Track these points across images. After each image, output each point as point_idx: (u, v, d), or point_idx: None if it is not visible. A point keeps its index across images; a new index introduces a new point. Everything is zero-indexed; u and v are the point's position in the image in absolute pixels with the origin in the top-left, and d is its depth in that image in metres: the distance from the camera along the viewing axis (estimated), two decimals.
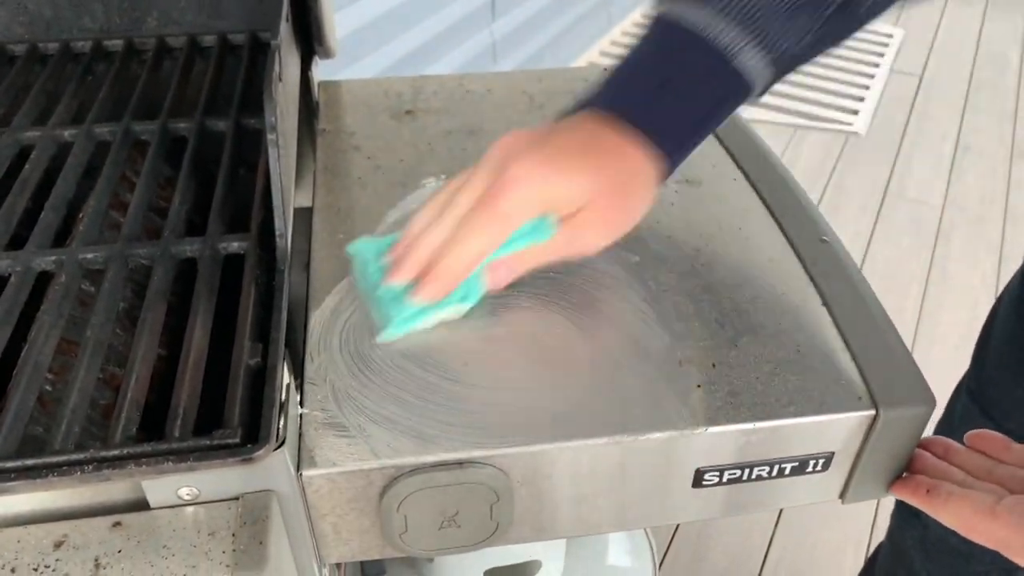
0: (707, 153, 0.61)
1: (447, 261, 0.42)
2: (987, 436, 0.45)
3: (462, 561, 0.69)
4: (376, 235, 0.50)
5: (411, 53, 1.68)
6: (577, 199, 0.42)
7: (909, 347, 0.45)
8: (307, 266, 0.50)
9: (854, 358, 0.44)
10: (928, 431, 0.46)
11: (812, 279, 0.49)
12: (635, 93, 0.43)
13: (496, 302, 0.47)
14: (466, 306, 0.45)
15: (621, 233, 0.44)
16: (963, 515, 0.40)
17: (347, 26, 1.46)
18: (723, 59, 0.42)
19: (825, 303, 0.47)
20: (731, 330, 0.45)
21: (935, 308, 1.81)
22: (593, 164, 0.42)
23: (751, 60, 0.42)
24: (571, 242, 0.44)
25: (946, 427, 0.78)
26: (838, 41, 0.45)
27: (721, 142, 0.62)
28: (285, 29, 0.52)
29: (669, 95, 0.42)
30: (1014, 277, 0.70)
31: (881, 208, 2.11)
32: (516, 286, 0.47)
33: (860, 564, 1.30)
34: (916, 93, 2.60)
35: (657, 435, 0.40)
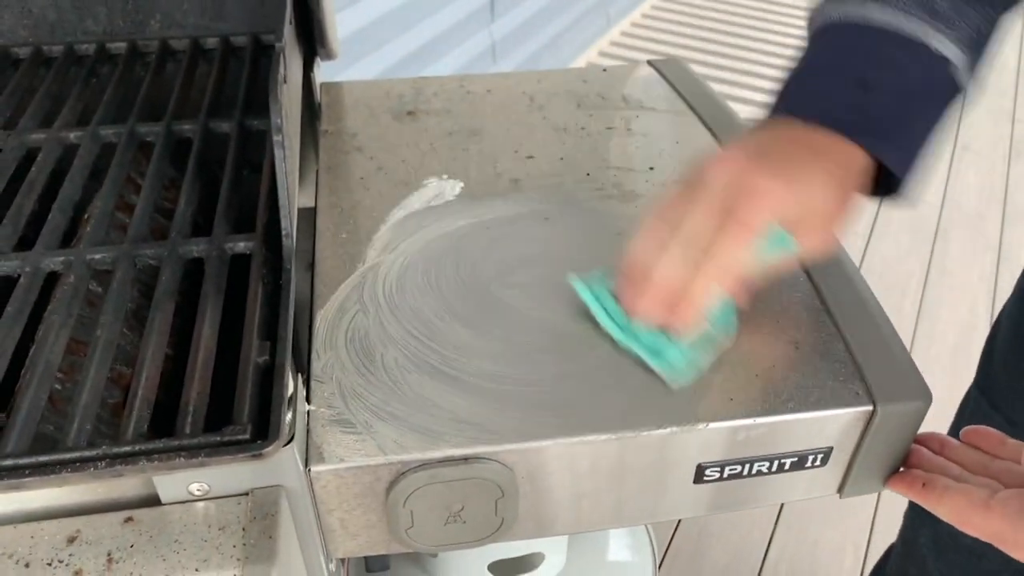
0: (703, 151, 0.61)
1: (704, 287, 0.41)
2: (983, 432, 0.45)
3: (466, 555, 0.70)
4: (585, 275, 0.47)
5: (411, 54, 1.69)
6: (816, 205, 0.42)
7: (908, 345, 0.45)
8: (311, 265, 0.51)
9: (851, 354, 0.44)
10: (943, 429, 0.47)
11: (809, 277, 0.49)
12: (837, 98, 0.43)
13: (500, 305, 0.47)
14: (733, 328, 0.44)
15: (843, 229, 0.45)
16: (958, 509, 0.41)
17: (348, 27, 1.46)
18: (919, 47, 0.43)
19: (823, 300, 0.48)
20: None
21: (934, 306, 1.81)
22: (822, 168, 0.42)
23: (943, 46, 0.43)
24: (811, 247, 0.44)
25: (959, 424, 0.78)
26: (1010, 8, 0.46)
27: (721, 143, 0.62)
28: (289, 32, 0.52)
29: (874, 94, 0.43)
30: (1020, 279, 0.71)
31: (880, 206, 2.12)
32: (519, 285, 0.48)
33: (860, 562, 1.30)
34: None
35: (659, 431, 0.40)
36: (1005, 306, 0.73)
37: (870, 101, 0.43)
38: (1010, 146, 2.37)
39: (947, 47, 0.43)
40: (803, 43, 0.48)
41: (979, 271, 1.92)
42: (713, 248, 0.41)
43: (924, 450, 0.46)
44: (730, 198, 0.41)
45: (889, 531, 1.32)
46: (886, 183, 0.45)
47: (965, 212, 2.11)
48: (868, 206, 2.08)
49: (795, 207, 0.41)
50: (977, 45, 0.45)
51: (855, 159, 0.43)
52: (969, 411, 0.76)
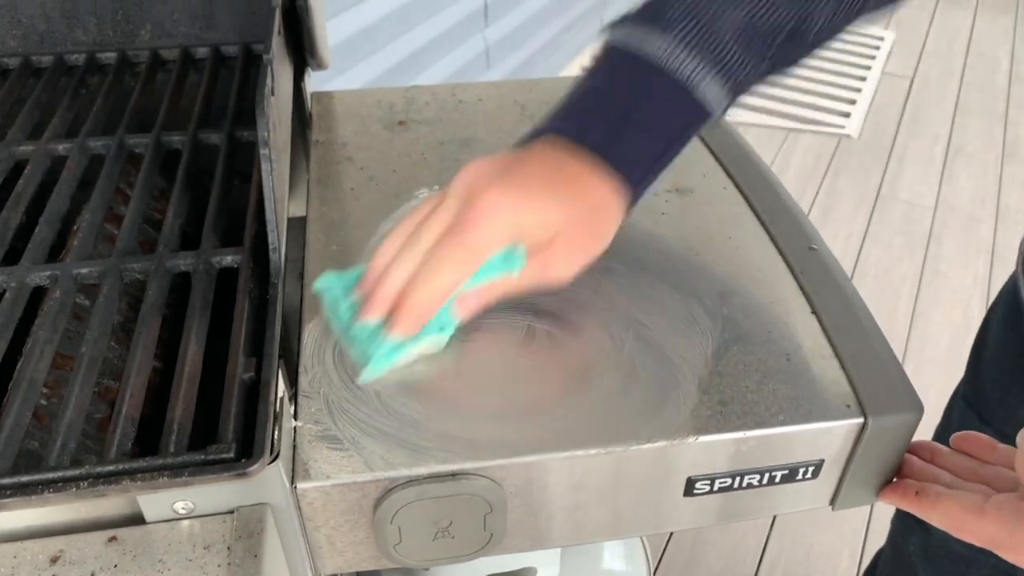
0: (697, 162, 0.61)
1: (419, 294, 0.41)
2: (972, 438, 0.45)
3: (457, 570, 0.70)
4: (341, 270, 0.47)
5: (404, 60, 1.68)
6: (548, 229, 0.42)
7: (902, 348, 0.45)
8: (301, 275, 0.50)
9: (843, 366, 0.44)
10: (927, 436, 0.47)
11: (801, 287, 0.49)
12: (598, 125, 0.43)
13: (488, 317, 0.47)
14: (444, 337, 0.44)
15: (589, 261, 0.44)
16: (952, 515, 0.41)
17: (340, 33, 1.46)
18: (685, 90, 0.42)
19: (814, 311, 0.48)
20: (721, 339, 0.46)
21: (928, 309, 1.82)
22: (563, 194, 0.41)
23: (711, 89, 0.43)
24: (541, 272, 0.43)
25: (944, 432, 0.78)
26: (792, 66, 0.46)
27: (711, 151, 0.62)
28: (277, 42, 0.52)
29: (632, 128, 0.42)
30: (1006, 284, 0.71)
31: (874, 210, 2.12)
32: (507, 300, 0.48)
33: (855, 568, 1.30)
34: (907, 95, 2.61)
35: (648, 445, 0.40)
36: (990, 317, 0.73)
37: (628, 134, 0.43)
38: (1003, 148, 2.38)
39: (714, 91, 0.43)
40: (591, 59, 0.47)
41: (973, 274, 1.92)
42: (432, 256, 0.41)
43: (915, 459, 0.46)
44: (460, 209, 0.41)
45: (883, 535, 1.32)
46: None
47: (958, 215, 2.11)
48: (863, 209, 2.09)
49: (525, 229, 0.41)
50: (745, 90, 0.45)
51: (604, 189, 0.42)
52: (956, 422, 0.76)
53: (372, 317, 0.43)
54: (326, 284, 0.46)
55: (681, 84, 0.42)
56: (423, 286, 0.41)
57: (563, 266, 0.44)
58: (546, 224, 0.41)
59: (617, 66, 0.44)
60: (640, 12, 0.45)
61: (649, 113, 0.43)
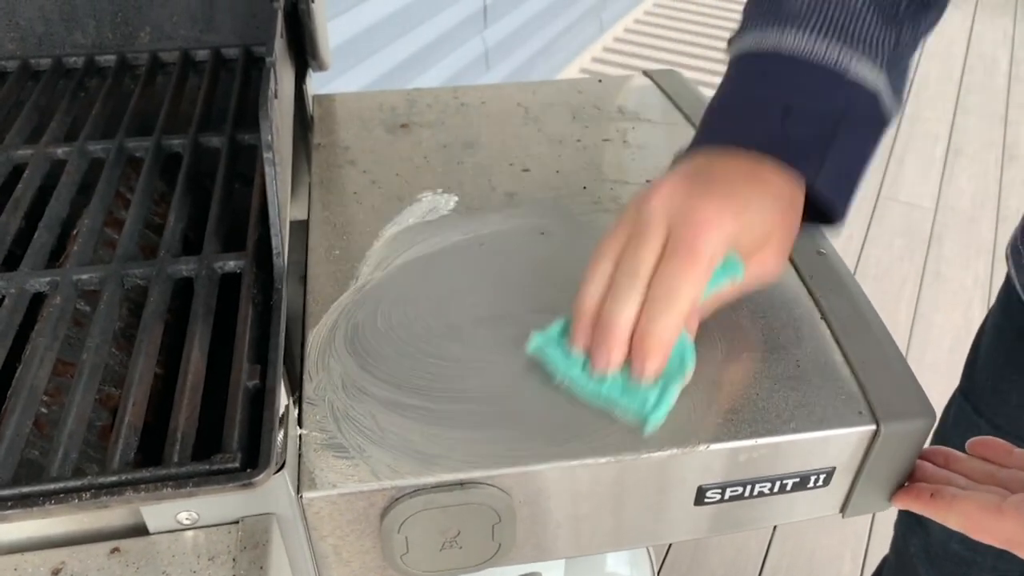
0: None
1: (661, 326, 0.39)
2: (989, 442, 0.45)
3: None
4: (540, 329, 0.44)
5: (404, 61, 1.68)
6: (764, 231, 0.41)
7: (903, 349, 0.45)
8: (303, 279, 0.50)
9: (853, 372, 0.44)
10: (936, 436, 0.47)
11: (810, 293, 0.49)
12: (764, 126, 0.43)
13: (496, 323, 0.46)
14: (692, 362, 0.42)
15: (788, 255, 0.45)
16: (970, 515, 0.40)
17: (340, 35, 1.46)
18: (836, 74, 0.43)
19: (824, 317, 0.47)
20: (730, 345, 0.45)
21: (929, 310, 1.81)
22: (766, 196, 0.41)
23: (863, 70, 0.43)
24: (760, 272, 0.43)
25: (942, 430, 0.78)
26: (931, 26, 0.47)
27: None
28: (279, 45, 0.51)
29: (795, 121, 0.42)
30: (1002, 288, 0.71)
31: (874, 211, 2.12)
32: (516, 307, 0.47)
33: (858, 570, 1.30)
34: (907, 96, 2.61)
35: (658, 453, 0.39)
36: (989, 312, 0.73)
37: (793, 127, 0.42)
38: (1003, 149, 2.38)
39: (866, 71, 0.43)
40: (725, 69, 0.48)
41: (973, 275, 1.92)
42: (663, 281, 0.39)
43: (928, 465, 0.45)
44: (675, 228, 0.40)
45: (887, 539, 1.32)
46: (818, 209, 0.44)
47: (959, 216, 2.11)
48: (863, 210, 2.08)
49: (742, 234, 0.40)
50: (897, 65, 0.45)
51: (790, 184, 0.42)
52: (952, 416, 0.76)
53: (612, 366, 0.40)
54: (538, 345, 0.43)
55: (830, 69, 0.42)
56: (663, 316, 0.39)
57: (776, 261, 0.44)
58: (763, 226, 0.41)
59: (760, 71, 0.45)
60: (758, 16, 0.45)
61: (807, 103, 0.43)
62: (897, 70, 0.45)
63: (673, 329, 0.39)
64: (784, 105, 0.43)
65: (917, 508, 0.43)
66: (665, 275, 0.39)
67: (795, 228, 0.44)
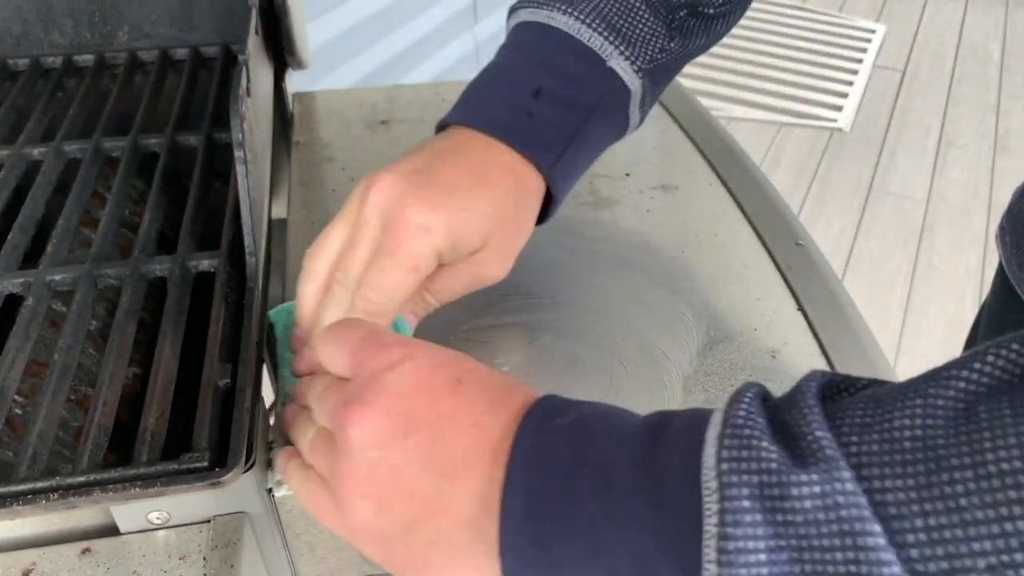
0: (683, 158, 0.61)
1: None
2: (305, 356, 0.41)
3: None
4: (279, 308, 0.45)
5: (394, 58, 1.68)
6: (481, 231, 0.39)
7: (896, 341, 0.45)
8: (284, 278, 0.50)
9: (829, 363, 0.44)
10: None
11: (788, 283, 0.49)
12: (510, 106, 0.41)
13: (477, 318, 0.46)
14: None
15: (517, 254, 0.42)
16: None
17: (328, 32, 1.45)
18: (598, 60, 0.42)
19: (800, 307, 0.47)
20: (707, 337, 0.45)
21: (921, 302, 1.82)
22: (490, 195, 0.39)
23: (624, 65, 0.42)
24: (478, 274, 0.41)
25: None
26: (699, 50, 0.46)
27: (697, 147, 0.62)
28: (254, 42, 0.51)
29: (545, 105, 0.41)
30: (996, 272, 0.71)
31: (866, 203, 2.12)
32: (497, 301, 0.47)
33: None
34: (899, 88, 2.61)
35: None
36: (986, 298, 0.73)
37: (540, 112, 0.41)
38: (995, 140, 2.38)
39: (627, 67, 0.42)
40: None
41: (966, 266, 1.92)
42: (365, 284, 0.38)
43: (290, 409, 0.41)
44: (386, 229, 0.38)
45: None
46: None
47: (951, 207, 2.11)
48: (855, 202, 2.08)
49: (455, 238, 0.38)
50: (655, 78, 0.44)
51: (524, 175, 0.40)
52: None
53: (313, 370, 0.38)
54: (277, 317, 0.43)
55: (593, 52, 0.41)
56: (364, 314, 0.38)
57: (498, 264, 0.41)
58: (479, 226, 0.39)
59: (524, 41, 0.43)
60: None
61: (563, 84, 0.41)
62: (654, 83, 0.44)
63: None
64: (536, 87, 0.41)
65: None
66: (368, 280, 0.38)
67: (522, 229, 0.42)
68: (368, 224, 0.38)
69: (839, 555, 0.22)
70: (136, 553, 0.35)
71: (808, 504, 0.22)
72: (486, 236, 0.40)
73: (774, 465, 0.23)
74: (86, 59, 0.64)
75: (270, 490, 0.37)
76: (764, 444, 0.24)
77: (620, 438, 0.28)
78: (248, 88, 0.45)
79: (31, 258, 0.46)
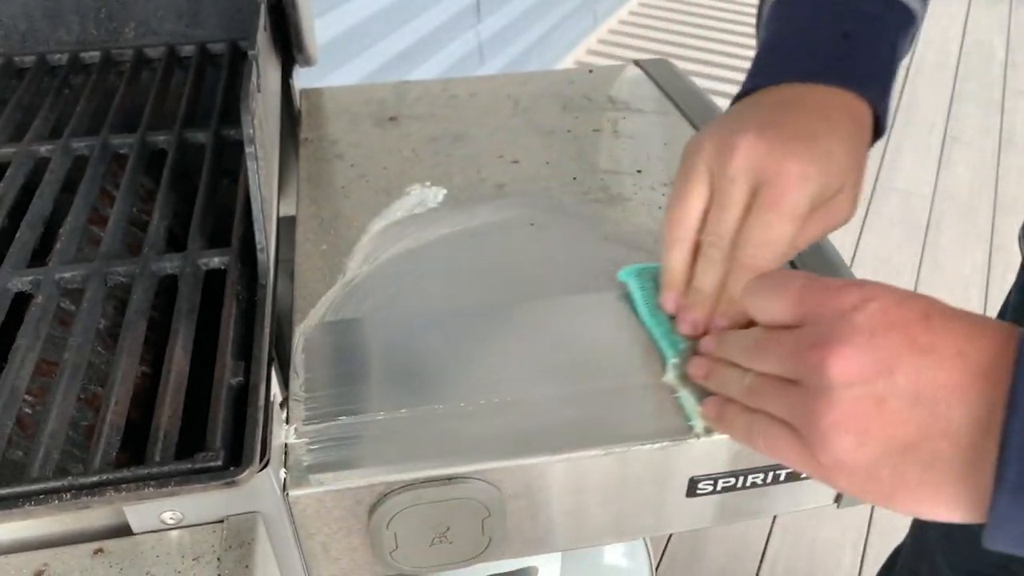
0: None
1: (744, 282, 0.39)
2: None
3: (454, 571, 0.69)
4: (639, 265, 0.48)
5: (398, 56, 1.67)
6: (842, 178, 0.41)
7: None
8: (293, 275, 0.49)
9: None
10: None
11: None
12: (824, 54, 0.43)
13: (485, 316, 0.46)
14: None
15: (862, 191, 0.44)
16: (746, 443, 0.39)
17: (333, 30, 1.45)
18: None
19: None
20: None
21: None
22: (842, 137, 0.41)
23: None
24: (833, 218, 0.42)
25: None
26: None
27: None
28: (263, 38, 0.51)
29: (856, 45, 0.43)
30: (1020, 268, 0.70)
31: (871, 199, 2.11)
32: (506, 299, 0.47)
33: (858, 562, 1.30)
34: (903, 84, 2.60)
35: (649, 445, 0.39)
36: (1009, 294, 0.72)
37: (854, 52, 0.43)
38: (1000, 136, 2.37)
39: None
40: (760, 14, 0.49)
41: (971, 263, 1.92)
42: (750, 242, 0.39)
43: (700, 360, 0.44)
44: (761, 187, 0.39)
45: (886, 530, 1.31)
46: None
47: (956, 204, 2.10)
48: (859, 200, 2.08)
49: (827, 183, 0.40)
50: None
51: (860, 112, 0.42)
52: None
53: (700, 330, 0.42)
54: (629, 275, 0.47)
55: None
56: (752, 272, 0.39)
57: (851, 203, 0.42)
58: (840, 168, 0.40)
59: (810, 4, 0.46)
60: None
61: (864, 26, 0.44)
62: (923, 4, 0.47)
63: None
64: (843, 32, 0.43)
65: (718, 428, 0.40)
66: (752, 237, 0.39)
67: (865, 162, 0.43)
68: (736, 184, 0.39)
69: None
70: (149, 553, 0.34)
71: None
72: (844, 178, 0.41)
73: None
74: (92, 56, 0.64)
75: (285, 489, 0.37)
76: None
77: None
78: (258, 84, 0.45)
79: (38, 256, 0.46)
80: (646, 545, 0.87)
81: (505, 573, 0.70)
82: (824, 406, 0.31)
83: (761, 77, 0.45)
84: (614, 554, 0.85)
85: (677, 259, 0.42)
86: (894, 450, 0.30)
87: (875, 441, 0.31)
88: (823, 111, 0.41)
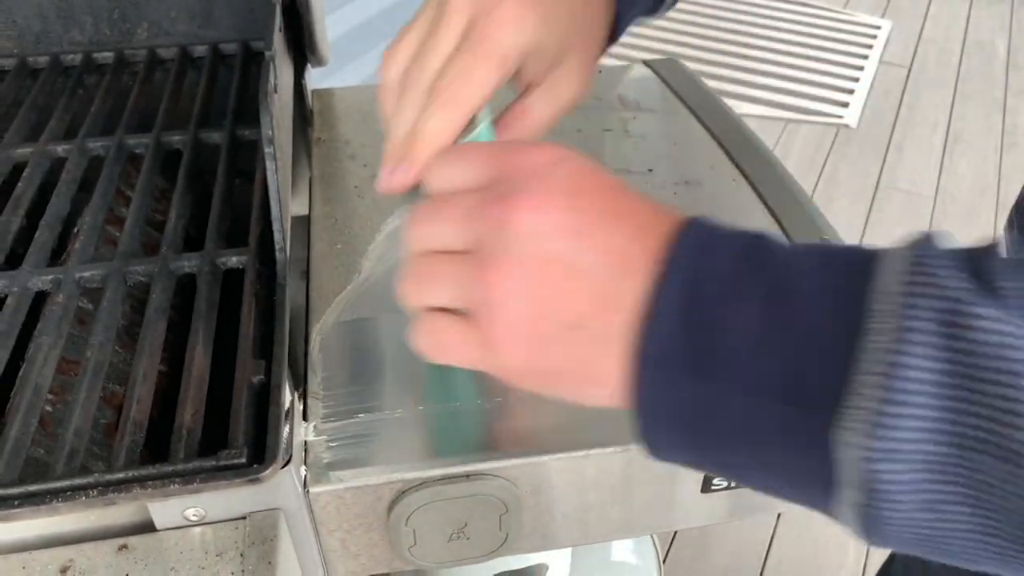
0: (705, 154, 0.61)
1: (434, 125, 0.35)
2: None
3: (466, 568, 0.69)
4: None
5: None
6: (560, 45, 0.38)
7: None
8: (305, 274, 0.50)
9: None
10: None
11: None
12: None
13: None
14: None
15: (593, 72, 0.41)
16: None
17: (338, 28, 1.45)
18: None
19: None
20: None
21: None
22: (572, 15, 0.38)
23: None
24: (559, 96, 0.39)
25: None
26: None
27: (720, 143, 0.61)
28: (278, 39, 0.51)
29: None
30: None
31: (874, 200, 2.11)
32: None
33: (862, 559, 1.30)
34: (905, 84, 2.61)
35: None
36: None
37: None
38: (1002, 137, 2.37)
39: None
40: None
41: None
42: (447, 76, 0.35)
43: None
44: (474, 21, 0.35)
45: None
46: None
47: (959, 204, 2.11)
48: (863, 199, 2.08)
49: (543, 41, 0.36)
50: None
51: (599, 7, 0.40)
52: None
53: (395, 183, 0.36)
54: None
55: None
56: (437, 116, 0.35)
57: (577, 80, 0.39)
58: (560, 32, 0.37)
59: None
60: None
61: None
62: None
63: (447, 132, 0.35)
64: None
65: None
66: (451, 71, 0.35)
67: (595, 45, 0.40)
68: (450, 20, 0.36)
69: (1007, 391, 0.22)
70: (173, 550, 0.35)
71: (990, 339, 0.23)
72: (565, 47, 0.38)
73: (961, 294, 0.23)
74: (106, 56, 0.64)
75: (305, 486, 0.37)
76: (951, 274, 0.24)
77: (791, 253, 0.27)
78: (275, 85, 0.45)
79: (55, 256, 0.47)
80: (653, 541, 0.87)
81: (516, 569, 0.70)
82: (505, 266, 0.28)
83: None
84: (622, 550, 0.85)
85: (386, 101, 0.37)
86: (567, 322, 0.28)
87: (553, 312, 0.28)
88: None
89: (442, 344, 0.31)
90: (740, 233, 0.28)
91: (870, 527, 0.25)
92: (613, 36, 0.42)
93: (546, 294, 0.28)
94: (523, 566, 0.71)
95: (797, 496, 0.28)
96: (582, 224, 0.28)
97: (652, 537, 0.88)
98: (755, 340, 0.26)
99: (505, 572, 0.70)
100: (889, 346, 0.23)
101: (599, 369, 0.28)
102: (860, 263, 0.26)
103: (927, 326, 0.23)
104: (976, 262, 0.25)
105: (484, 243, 0.29)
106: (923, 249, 0.25)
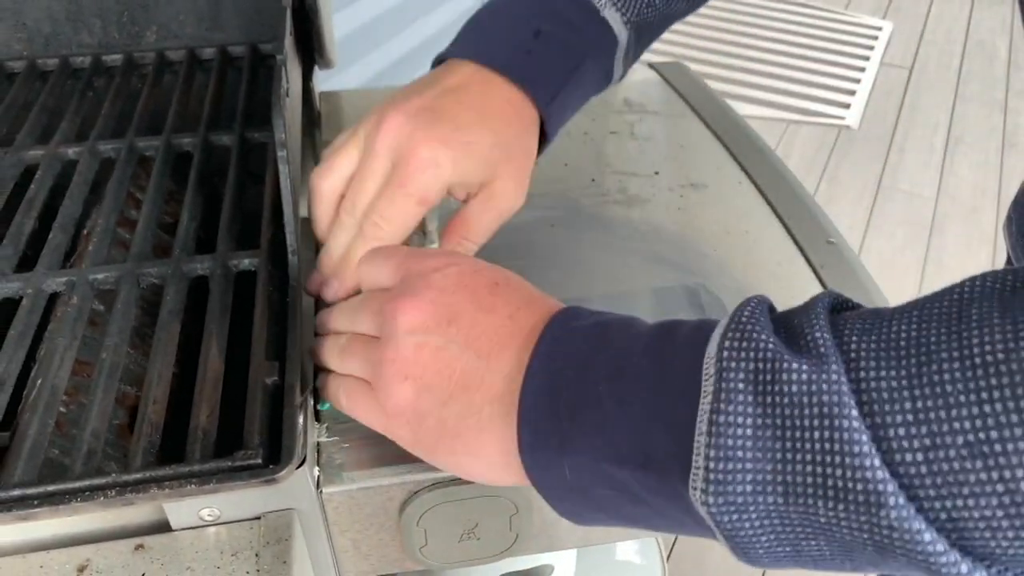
0: (710, 156, 0.61)
1: (358, 255, 0.41)
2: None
3: (474, 569, 0.70)
4: None
5: (405, 56, 1.68)
6: (487, 166, 0.42)
7: None
8: None
9: None
10: None
11: (821, 282, 0.49)
12: (511, 45, 0.44)
13: None
14: None
15: (527, 181, 0.44)
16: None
17: (341, 30, 1.45)
18: (592, 9, 0.45)
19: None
20: None
21: None
22: (492, 127, 0.42)
23: (615, 16, 0.45)
24: (495, 205, 0.43)
25: None
26: (679, 14, 0.49)
27: (725, 145, 0.62)
28: (289, 43, 0.51)
29: (544, 46, 0.43)
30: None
31: (875, 201, 2.12)
32: None
33: None
34: (906, 85, 2.61)
35: None
36: None
37: (540, 51, 0.44)
38: (1003, 137, 2.38)
39: (616, 18, 0.45)
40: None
41: (975, 263, 1.93)
42: (372, 215, 0.41)
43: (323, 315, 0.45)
44: (396, 164, 0.40)
45: None
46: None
47: (960, 205, 2.11)
48: (864, 200, 2.08)
49: (465, 172, 0.41)
50: (640, 32, 0.47)
51: (525, 111, 0.43)
52: None
53: (328, 295, 0.43)
54: None
55: (587, 2, 0.44)
56: (361, 248, 0.41)
57: (512, 191, 0.43)
58: (484, 156, 0.41)
59: None
60: None
61: (559, 30, 0.44)
62: (638, 37, 0.47)
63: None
64: (536, 29, 0.44)
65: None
66: (377, 208, 0.40)
67: (526, 155, 0.44)
68: (379, 158, 0.41)
69: (816, 434, 0.25)
70: (189, 549, 0.35)
71: (795, 388, 0.25)
72: (493, 165, 0.42)
73: (769, 354, 0.26)
74: (115, 59, 0.64)
75: (319, 487, 0.38)
76: (764, 336, 0.27)
77: (635, 335, 0.31)
78: (287, 89, 0.46)
79: (68, 257, 0.47)
80: (657, 542, 0.88)
81: (522, 570, 0.71)
82: (391, 354, 0.34)
83: (454, 48, 0.46)
84: (626, 551, 0.86)
85: (322, 215, 0.43)
86: (440, 399, 0.33)
87: (430, 389, 0.33)
88: (484, 103, 0.42)
89: (354, 408, 0.37)
90: (597, 321, 0.33)
91: (748, 560, 0.29)
92: (545, 139, 0.46)
93: (422, 374, 0.33)
94: (529, 567, 0.71)
95: (700, 535, 0.31)
96: (452, 316, 0.34)
97: (656, 538, 0.88)
98: (603, 417, 0.29)
99: (511, 573, 0.70)
100: (712, 406, 0.26)
101: (474, 442, 0.33)
102: (702, 332, 0.29)
103: (740, 385, 0.26)
104: (789, 319, 0.28)
105: (382, 332, 0.35)
106: (747, 312, 0.28)
